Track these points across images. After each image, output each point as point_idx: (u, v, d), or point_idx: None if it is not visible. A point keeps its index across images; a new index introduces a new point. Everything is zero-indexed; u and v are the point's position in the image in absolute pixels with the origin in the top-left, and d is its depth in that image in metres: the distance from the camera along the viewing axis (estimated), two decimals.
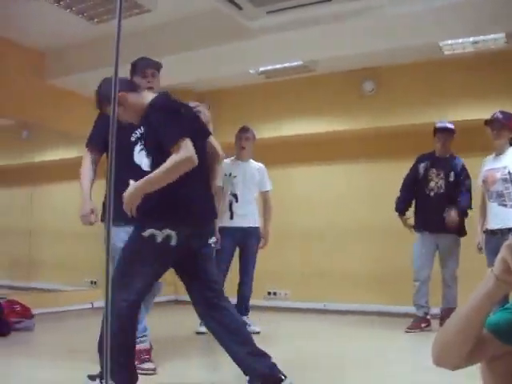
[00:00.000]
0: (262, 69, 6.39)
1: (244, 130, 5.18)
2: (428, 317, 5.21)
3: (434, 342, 1.45)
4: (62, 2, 4.74)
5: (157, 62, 4.00)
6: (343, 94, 6.60)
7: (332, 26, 4.54)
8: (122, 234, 3.58)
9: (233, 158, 5.16)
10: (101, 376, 2.80)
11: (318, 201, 6.91)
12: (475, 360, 1.44)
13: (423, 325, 5.15)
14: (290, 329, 5.42)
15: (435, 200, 5.17)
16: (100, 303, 6.56)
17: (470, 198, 5.13)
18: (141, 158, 3.76)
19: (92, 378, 2.91)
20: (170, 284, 7.66)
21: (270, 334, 4.91)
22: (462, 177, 5.16)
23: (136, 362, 3.02)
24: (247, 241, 5.05)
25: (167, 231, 2.65)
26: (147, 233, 2.65)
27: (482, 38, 5.32)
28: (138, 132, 3.80)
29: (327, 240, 6.78)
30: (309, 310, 6.62)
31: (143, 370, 3.32)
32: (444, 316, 5.04)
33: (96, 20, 5.10)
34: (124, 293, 2.61)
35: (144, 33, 5.17)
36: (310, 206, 6.85)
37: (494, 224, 4.51)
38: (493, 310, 1.41)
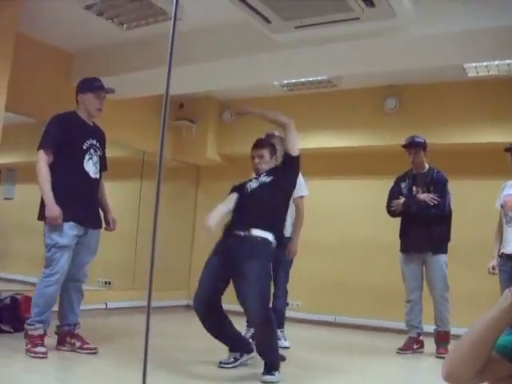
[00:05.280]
0: (285, 81, 6.45)
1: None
2: (420, 338, 5.10)
3: (446, 358, 1.48)
4: (94, 8, 4.83)
5: (110, 88, 4.18)
6: (365, 110, 6.65)
7: (358, 42, 4.55)
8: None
9: None
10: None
11: (335, 214, 6.97)
12: (484, 379, 1.48)
13: (415, 346, 5.05)
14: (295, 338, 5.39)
15: (418, 218, 4.96)
16: (114, 304, 6.57)
17: (446, 206, 4.94)
18: (89, 167, 3.98)
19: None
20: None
21: None
22: (442, 192, 4.94)
23: (29, 346, 3.66)
24: None
25: None
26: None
27: (507, 61, 5.34)
28: (88, 142, 4.00)
29: (341, 253, 6.83)
30: (319, 321, 6.69)
31: (35, 353, 3.64)
32: (439, 340, 4.94)
33: (126, 26, 5.19)
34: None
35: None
36: (326, 220, 6.89)
37: (511, 248, 4.49)
38: (504, 332, 1.45)
